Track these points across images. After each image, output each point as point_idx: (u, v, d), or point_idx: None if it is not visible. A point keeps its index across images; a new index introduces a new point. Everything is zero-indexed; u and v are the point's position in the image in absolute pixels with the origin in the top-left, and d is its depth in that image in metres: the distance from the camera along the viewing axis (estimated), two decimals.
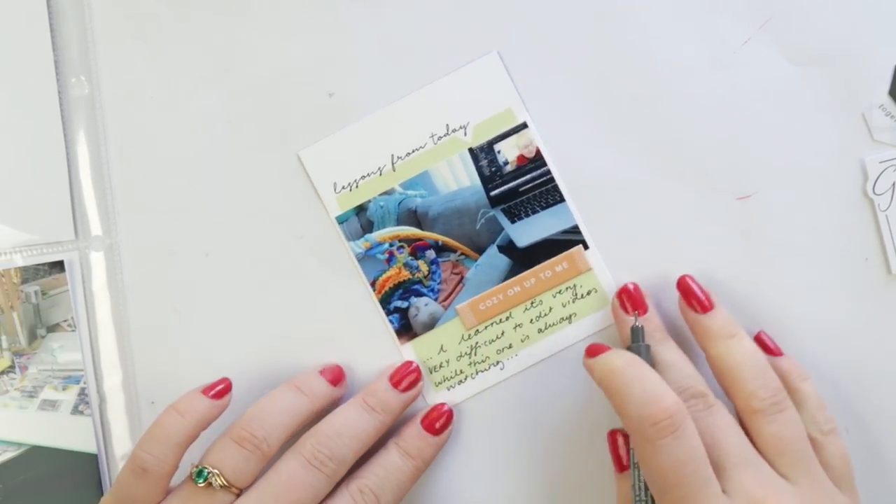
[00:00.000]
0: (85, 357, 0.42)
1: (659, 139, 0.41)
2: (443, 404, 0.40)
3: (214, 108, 0.42)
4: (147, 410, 0.42)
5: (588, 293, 0.41)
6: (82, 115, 0.43)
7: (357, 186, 0.41)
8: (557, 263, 0.41)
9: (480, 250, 0.41)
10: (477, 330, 0.41)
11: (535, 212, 0.41)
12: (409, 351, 0.41)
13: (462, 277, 0.41)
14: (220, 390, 0.38)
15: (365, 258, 0.41)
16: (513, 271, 0.41)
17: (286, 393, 0.38)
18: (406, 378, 0.40)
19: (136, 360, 0.42)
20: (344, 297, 0.42)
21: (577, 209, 0.41)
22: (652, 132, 0.41)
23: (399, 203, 0.41)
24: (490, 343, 0.41)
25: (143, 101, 0.42)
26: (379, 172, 0.41)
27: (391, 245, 0.41)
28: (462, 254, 0.41)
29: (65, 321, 0.42)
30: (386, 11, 0.41)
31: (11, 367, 0.42)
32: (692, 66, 0.41)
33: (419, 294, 0.41)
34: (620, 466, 0.38)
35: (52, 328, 0.42)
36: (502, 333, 0.41)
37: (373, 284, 0.41)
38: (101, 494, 0.42)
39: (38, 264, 0.42)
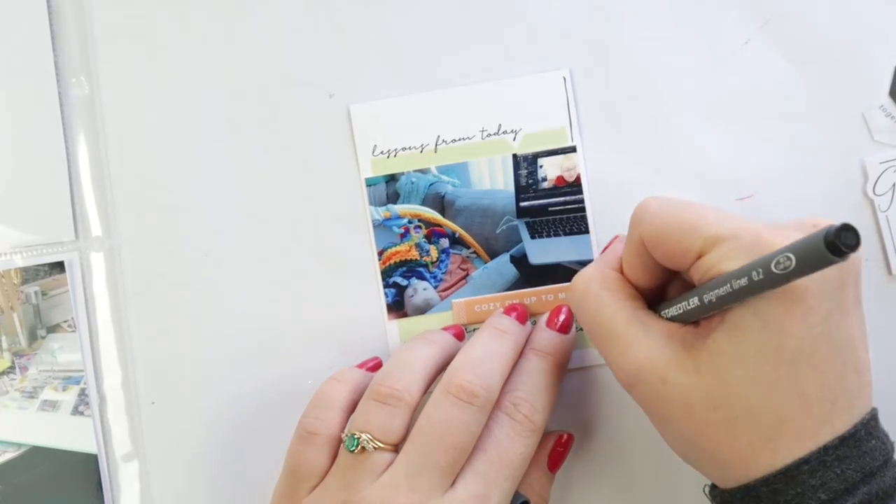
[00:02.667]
0: (85, 357, 0.42)
1: (658, 140, 0.41)
2: (560, 305, 0.40)
3: (214, 108, 0.42)
4: (147, 410, 0.42)
5: (580, 329, 0.41)
6: (82, 116, 0.43)
7: (395, 156, 0.41)
8: (561, 290, 0.41)
9: (493, 254, 0.41)
10: (465, 328, 0.41)
11: (556, 234, 0.41)
12: (394, 329, 0.41)
13: (467, 274, 0.41)
14: (373, 366, 0.39)
15: (381, 227, 0.41)
16: (517, 284, 0.41)
17: (414, 344, 0.38)
18: (520, 313, 0.39)
19: (136, 360, 0.42)
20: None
21: (596, 245, 0.41)
22: (651, 132, 0.41)
23: (430, 185, 0.41)
24: None
25: (143, 101, 0.42)
26: (420, 149, 0.41)
27: (410, 222, 0.41)
28: (474, 252, 0.41)
29: (65, 322, 0.42)
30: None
31: (11, 368, 0.42)
32: (692, 66, 0.41)
33: (421, 277, 0.41)
34: None
35: (53, 329, 0.42)
36: None
37: (380, 254, 0.41)
38: (101, 495, 0.42)
39: (39, 265, 0.42)
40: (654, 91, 0.41)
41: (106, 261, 0.43)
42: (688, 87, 0.41)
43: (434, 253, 0.41)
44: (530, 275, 0.41)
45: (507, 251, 0.41)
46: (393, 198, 0.42)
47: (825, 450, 0.30)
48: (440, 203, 0.41)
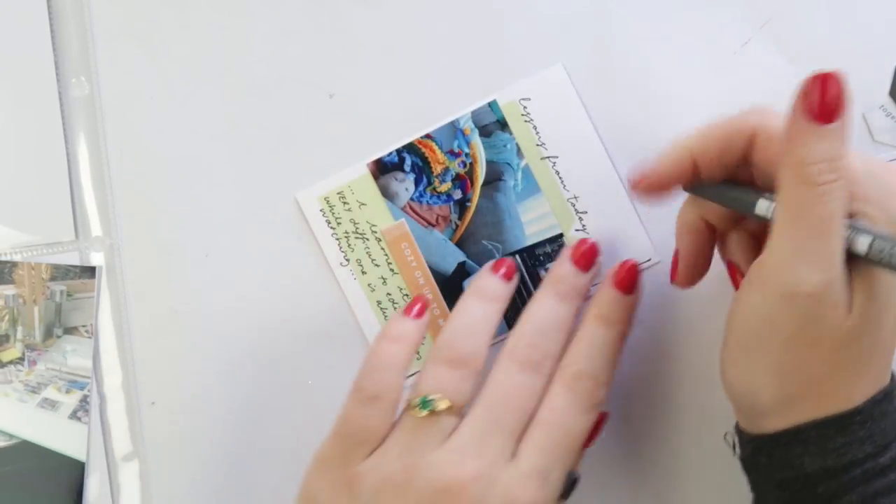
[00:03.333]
0: (95, 363, 0.42)
1: (658, 140, 0.41)
2: (627, 260, 0.38)
3: (214, 108, 0.42)
4: (147, 410, 0.42)
5: None
6: (82, 116, 0.43)
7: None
8: None
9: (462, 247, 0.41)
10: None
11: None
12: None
13: (434, 226, 0.41)
14: (419, 309, 0.37)
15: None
16: (444, 279, 0.42)
17: (472, 304, 0.37)
18: (586, 255, 0.38)
19: (136, 361, 0.42)
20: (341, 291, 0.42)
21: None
22: (651, 132, 0.41)
23: (506, 159, 0.41)
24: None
25: (143, 101, 0.42)
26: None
27: (467, 156, 0.41)
28: (457, 225, 0.41)
29: (83, 326, 0.42)
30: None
31: (21, 359, 0.42)
32: (692, 66, 0.41)
33: (419, 179, 0.41)
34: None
35: (70, 330, 0.42)
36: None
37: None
38: (81, 503, 0.42)
39: (71, 265, 0.42)
40: (653, 91, 0.41)
41: (106, 261, 0.43)
42: (688, 87, 0.41)
43: (446, 186, 0.41)
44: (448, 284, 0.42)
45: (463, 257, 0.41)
46: (491, 129, 0.41)
47: (873, 402, 0.31)
48: (495, 173, 0.41)
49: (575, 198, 0.41)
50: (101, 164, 0.42)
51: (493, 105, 0.41)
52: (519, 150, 0.41)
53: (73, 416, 0.42)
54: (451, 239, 0.41)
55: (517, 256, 0.41)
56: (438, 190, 0.41)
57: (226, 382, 0.42)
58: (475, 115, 0.41)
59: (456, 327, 0.36)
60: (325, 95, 0.42)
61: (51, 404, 0.42)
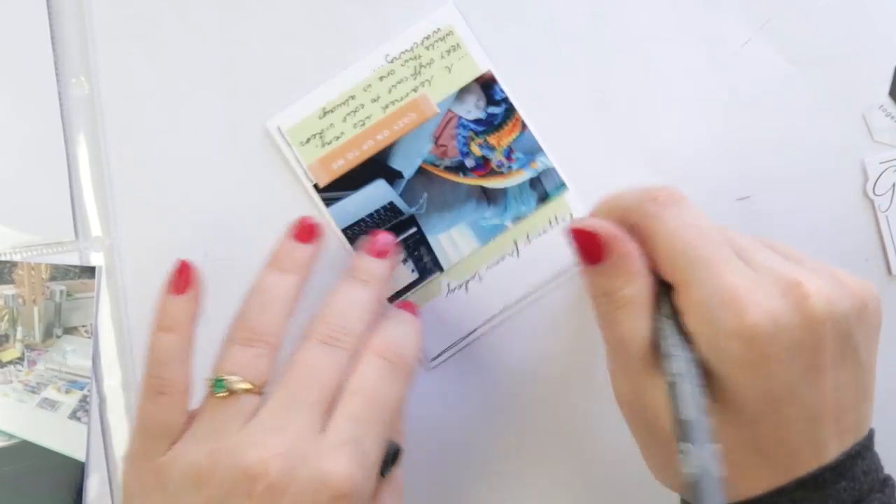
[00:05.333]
0: (95, 366, 0.42)
1: (658, 140, 0.41)
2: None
3: (214, 107, 0.42)
4: None
5: None
6: (82, 115, 0.42)
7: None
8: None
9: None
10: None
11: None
12: None
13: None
14: (182, 281, 0.36)
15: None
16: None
17: (269, 277, 0.36)
18: (379, 245, 0.38)
19: (136, 361, 0.42)
20: None
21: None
22: (651, 132, 0.41)
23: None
24: None
25: (143, 101, 0.42)
26: None
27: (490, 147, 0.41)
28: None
29: (83, 326, 0.42)
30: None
31: (20, 359, 0.42)
32: (692, 66, 0.41)
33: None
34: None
35: (69, 331, 0.42)
36: None
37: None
38: (81, 503, 0.42)
39: (70, 265, 0.42)
40: (654, 91, 0.41)
41: (106, 261, 0.42)
42: (688, 87, 0.41)
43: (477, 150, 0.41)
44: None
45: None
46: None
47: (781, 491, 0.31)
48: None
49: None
50: (101, 164, 0.42)
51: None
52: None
53: (73, 416, 0.42)
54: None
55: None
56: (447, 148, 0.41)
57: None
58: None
59: (250, 304, 0.36)
60: None
61: (50, 404, 0.42)
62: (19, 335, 0.42)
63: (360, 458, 0.32)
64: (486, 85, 0.41)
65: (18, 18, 0.42)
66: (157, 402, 0.34)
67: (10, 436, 0.42)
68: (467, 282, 0.41)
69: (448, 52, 0.41)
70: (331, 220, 0.41)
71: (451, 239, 0.41)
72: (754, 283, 0.30)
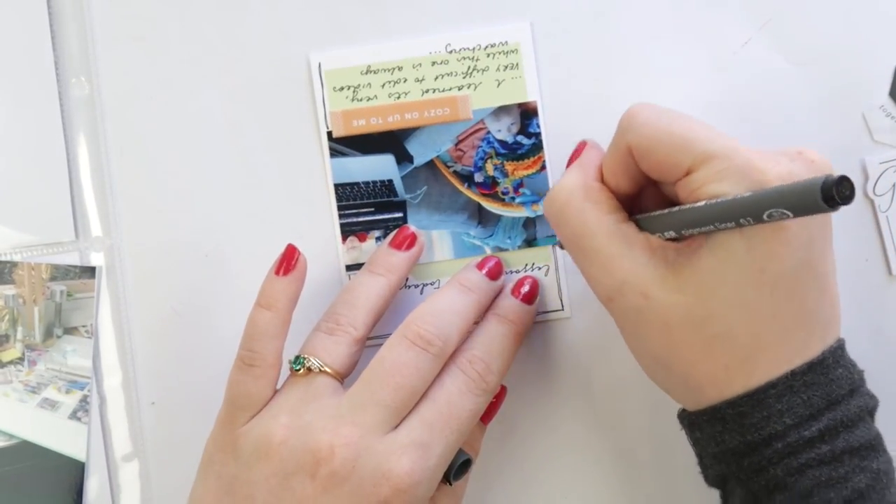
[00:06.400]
0: (94, 363, 0.42)
1: None
2: (526, 276, 0.40)
3: (214, 107, 0.42)
4: (147, 411, 0.42)
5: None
6: (82, 116, 0.43)
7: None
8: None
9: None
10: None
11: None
12: None
13: None
14: (287, 265, 0.38)
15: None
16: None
17: (360, 277, 0.39)
18: (492, 266, 0.39)
19: (136, 361, 0.42)
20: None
21: None
22: None
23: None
24: None
25: (143, 101, 0.42)
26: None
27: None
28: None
29: (83, 326, 0.42)
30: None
31: (20, 359, 0.42)
32: (692, 66, 0.41)
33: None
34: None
35: (70, 331, 0.42)
36: None
37: None
38: (80, 503, 0.42)
39: (71, 266, 0.42)
40: (654, 91, 0.41)
41: (106, 261, 0.43)
42: (688, 88, 0.41)
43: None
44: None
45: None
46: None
47: (793, 375, 0.31)
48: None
49: None
50: (101, 164, 0.42)
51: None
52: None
53: (73, 416, 0.42)
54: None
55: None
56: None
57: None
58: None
59: (338, 300, 0.38)
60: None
61: (51, 404, 0.42)
62: (20, 335, 0.42)
63: (424, 462, 0.33)
64: (526, 113, 0.41)
65: (18, 18, 0.42)
66: (247, 373, 0.36)
67: (11, 436, 0.42)
68: (425, 285, 0.41)
69: (506, 67, 0.41)
70: (328, 171, 0.41)
71: (429, 239, 0.41)
72: (761, 154, 0.31)
